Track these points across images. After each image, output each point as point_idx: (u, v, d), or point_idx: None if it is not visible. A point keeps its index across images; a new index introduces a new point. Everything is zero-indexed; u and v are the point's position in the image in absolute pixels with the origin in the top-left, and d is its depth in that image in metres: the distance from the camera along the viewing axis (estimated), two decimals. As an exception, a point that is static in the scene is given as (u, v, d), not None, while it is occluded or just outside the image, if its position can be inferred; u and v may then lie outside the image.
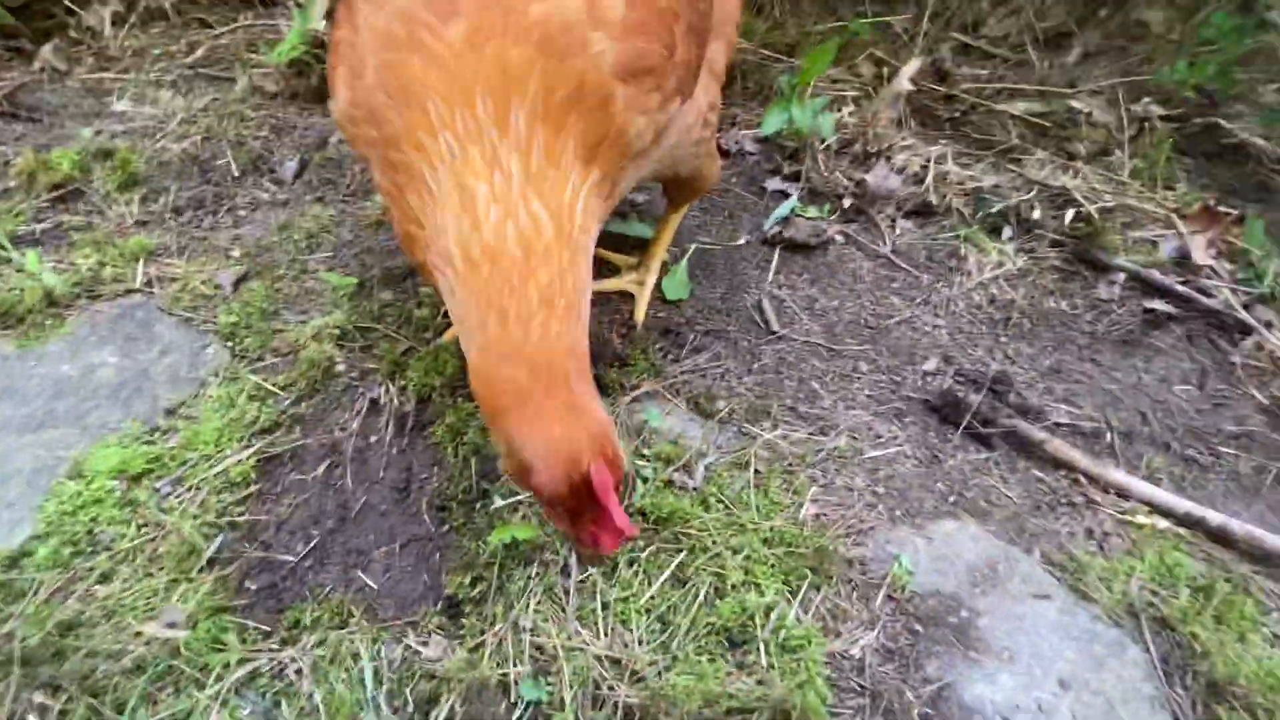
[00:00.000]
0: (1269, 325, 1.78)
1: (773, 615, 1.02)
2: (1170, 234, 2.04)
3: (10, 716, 0.88)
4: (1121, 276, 1.93)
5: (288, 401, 1.36)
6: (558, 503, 0.85)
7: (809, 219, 2.01)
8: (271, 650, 0.99)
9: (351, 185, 2.04)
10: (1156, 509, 1.34)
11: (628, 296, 1.66)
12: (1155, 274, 1.93)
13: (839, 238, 2.01)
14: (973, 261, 1.95)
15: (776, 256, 1.89)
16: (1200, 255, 1.93)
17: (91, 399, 1.34)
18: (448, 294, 0.92)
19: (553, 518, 0.93)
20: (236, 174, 2.02)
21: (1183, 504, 1.35)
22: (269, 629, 1.01)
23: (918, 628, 1.08)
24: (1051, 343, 1.76)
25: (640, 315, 1.61)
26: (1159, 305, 1.87)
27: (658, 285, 1.69)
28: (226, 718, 0.92)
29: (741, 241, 1.93)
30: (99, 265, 1.63)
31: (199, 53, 2.66)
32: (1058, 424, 1.52)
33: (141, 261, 1.65)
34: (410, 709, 0.93)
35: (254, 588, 1.07)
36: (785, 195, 2.09)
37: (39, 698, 0.90)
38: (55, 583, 1.03)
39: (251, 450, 1.26)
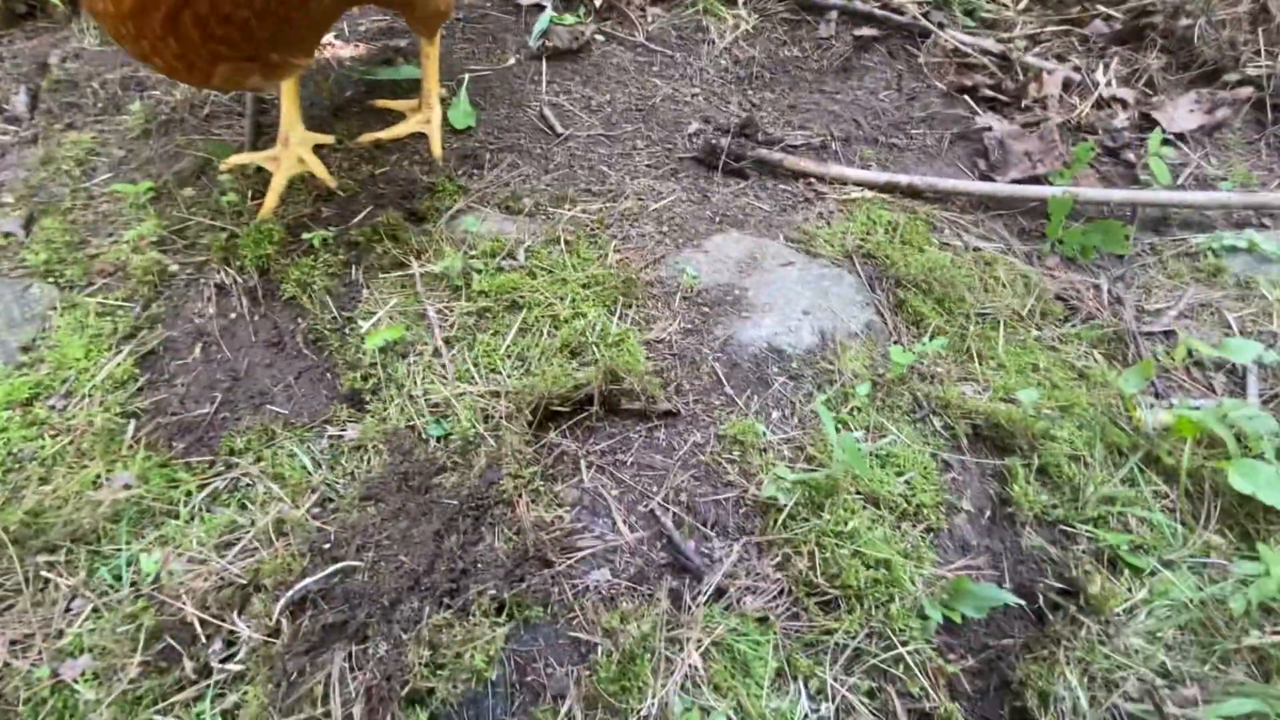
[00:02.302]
0: (942, 26, 2.29)
1: (598, 327, 1.43)
2: (867, -33, 2.46)
3: (25, 579, 1.14)
4: (835, 14, 2.35)
5: (137, 308, 1.53)
6: None
7: (567, 26, 2.25)
8: (220, 473, 1.28)
9: (98, 103, 2.03)
10: (866, 185, 1.85)
11: (422, 136, 1.88)
12: (859, 4, 2.37)
13: (599, 37, 2.28)
14: (715, 31, 2.30)
15: (546, 67, 2.15)
16: (888, -21, 2.37)
17: (-64, 362, 1.45)
18: None
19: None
20: (-39, 121, 1.95)
21: (883, 176, 1.87)
22: (210, 460, 1.29)
23: (706, 310, 1.54)
24: (788, 85, 2.19)
25: (436, 149, 1.86)
26: (866, 31, 2.33)
27: (445, 119, 1.92)
28: (207, 526, 1.22)
29: (511, 61, 2.16)
30: None
31: None
32: (794, 146, 1.98)
33: (-91, 230, 1.66)
34: (348, 466, 1.27)
35: (183, 445, 1.33)
36: (541, 8, 2.30)
37: (42, 559, 1.15)
38: (0, 496, 1.24)
39: (123, 354, 1.45)
